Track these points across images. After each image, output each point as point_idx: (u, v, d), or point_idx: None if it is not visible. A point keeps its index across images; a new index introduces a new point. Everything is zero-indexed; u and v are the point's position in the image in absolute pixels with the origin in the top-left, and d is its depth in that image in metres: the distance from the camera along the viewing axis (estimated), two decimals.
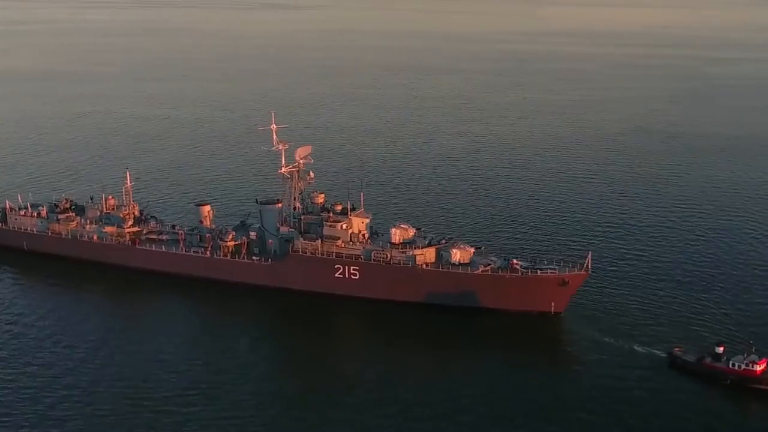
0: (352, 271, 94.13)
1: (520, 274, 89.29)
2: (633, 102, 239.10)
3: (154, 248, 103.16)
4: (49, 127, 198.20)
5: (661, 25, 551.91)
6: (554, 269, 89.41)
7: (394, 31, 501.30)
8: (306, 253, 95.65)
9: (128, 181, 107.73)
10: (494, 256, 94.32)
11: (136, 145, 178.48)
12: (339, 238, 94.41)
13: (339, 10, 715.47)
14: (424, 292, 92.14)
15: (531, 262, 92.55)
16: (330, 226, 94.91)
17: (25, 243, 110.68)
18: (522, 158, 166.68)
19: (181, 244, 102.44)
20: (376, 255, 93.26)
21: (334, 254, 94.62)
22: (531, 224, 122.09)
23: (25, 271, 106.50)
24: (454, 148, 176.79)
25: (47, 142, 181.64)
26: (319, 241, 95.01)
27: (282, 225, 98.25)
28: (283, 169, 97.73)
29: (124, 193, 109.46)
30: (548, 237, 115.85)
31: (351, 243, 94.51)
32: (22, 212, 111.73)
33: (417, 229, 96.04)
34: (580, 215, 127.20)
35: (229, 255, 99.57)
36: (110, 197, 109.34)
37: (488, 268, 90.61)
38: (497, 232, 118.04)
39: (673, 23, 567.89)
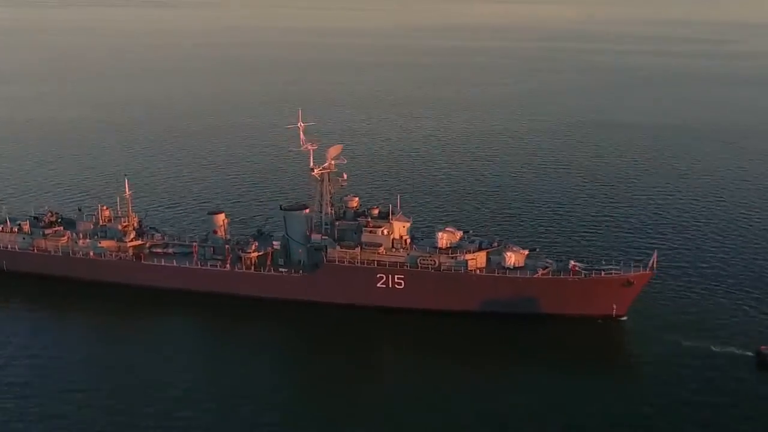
0: (396, 280, 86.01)
1: (583, 275, 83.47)
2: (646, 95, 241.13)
3: (163, 263, 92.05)
4: (10, 133, 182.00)
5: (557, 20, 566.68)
6: (617, 269, 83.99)
7: (303, 28, 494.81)
8: (343, 262, 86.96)
9: (126, 190, 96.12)
10: (548, 258, 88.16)
11: (114, 152, 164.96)
12: (381, 245, 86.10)
13: (224, 9, 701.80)
14: (478, 300, 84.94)
15: (588, 262, 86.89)
16: (370, 231, 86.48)
17: (4, 263, 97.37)
18: (563, 153, 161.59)
19: (195, 258, 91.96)
20: (422, 261, 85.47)
21: (375, 262, 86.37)
22: (579, 223, 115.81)
23: (7, 294, 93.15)
24: (487, 145, 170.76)
25: (14, 149, 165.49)
26: (358, 248, 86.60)
27: (313, 232, 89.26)
28: (316, 171, 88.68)
29: (119, 203, 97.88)
30: (600, 235, 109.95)
31: (393, 249, 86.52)
32: (0, 228, 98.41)
33: (464, 232, 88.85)
34: (638, 211, 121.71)
35: (252, 267, 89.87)
36: (105, 208, 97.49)
37: (547, 271, 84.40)
38: (545, 232, 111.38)
39: (570, 18, 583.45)
